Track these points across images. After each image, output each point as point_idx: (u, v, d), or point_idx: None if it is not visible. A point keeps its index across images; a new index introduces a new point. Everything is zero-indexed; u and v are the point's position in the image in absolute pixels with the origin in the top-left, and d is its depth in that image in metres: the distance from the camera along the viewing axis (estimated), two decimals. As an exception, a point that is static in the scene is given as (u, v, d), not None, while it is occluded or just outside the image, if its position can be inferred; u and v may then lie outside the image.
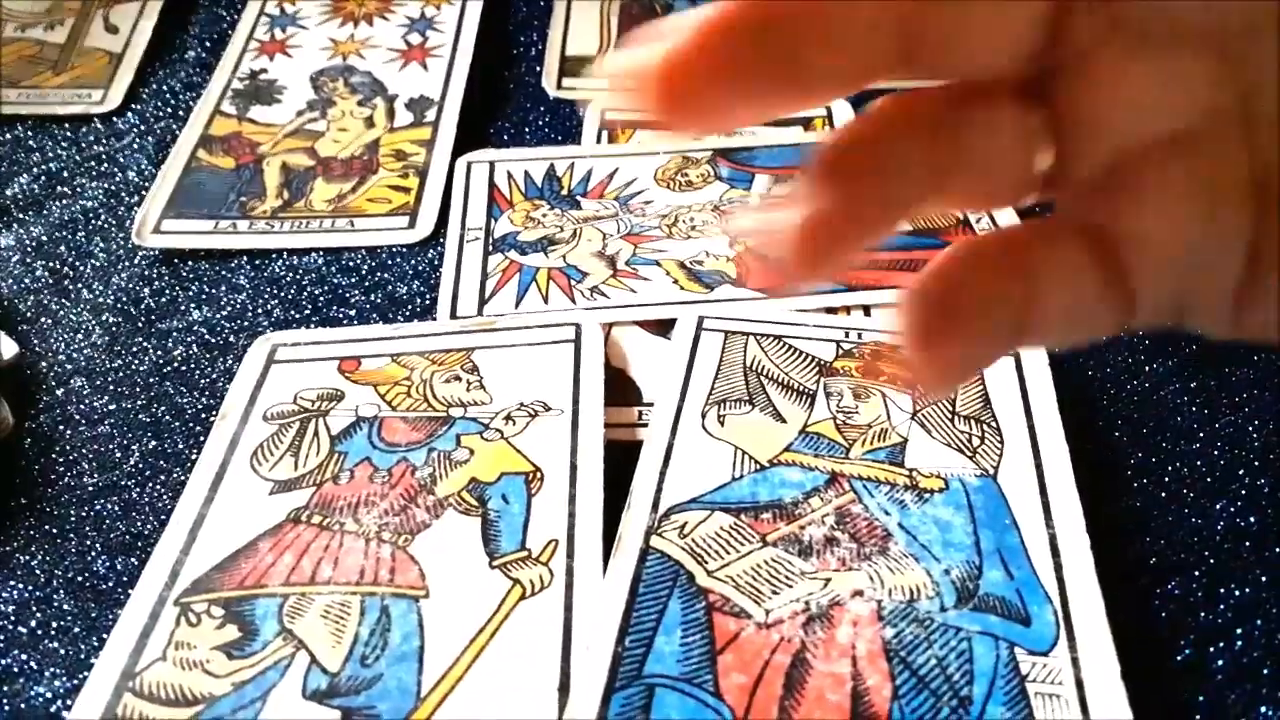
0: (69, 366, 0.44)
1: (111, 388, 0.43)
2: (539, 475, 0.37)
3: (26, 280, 0.47)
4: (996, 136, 0.23)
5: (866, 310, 0.44)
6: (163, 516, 0.37)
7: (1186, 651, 0.33)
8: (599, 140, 0.53)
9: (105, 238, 0.49)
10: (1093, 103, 0.23)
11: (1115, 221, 0.23)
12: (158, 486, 0.39)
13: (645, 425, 0.39)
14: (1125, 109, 0.23)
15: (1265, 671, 0.32)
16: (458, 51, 0.58)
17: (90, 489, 0.39)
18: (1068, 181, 0.24)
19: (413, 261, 0.48)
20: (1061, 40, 0.22)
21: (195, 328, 0.45)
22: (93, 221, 0.50)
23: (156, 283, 0.47)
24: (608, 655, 0.31)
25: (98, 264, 0.48)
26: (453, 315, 0.44)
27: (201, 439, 0.40)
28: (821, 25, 0.20)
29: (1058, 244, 0.25)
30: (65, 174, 0.53)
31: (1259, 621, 0.33)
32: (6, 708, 0.33)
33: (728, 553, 0.34)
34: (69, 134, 0.55)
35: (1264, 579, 0.34)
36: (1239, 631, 0.33)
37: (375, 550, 0.35)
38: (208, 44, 0.60)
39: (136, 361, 0.44)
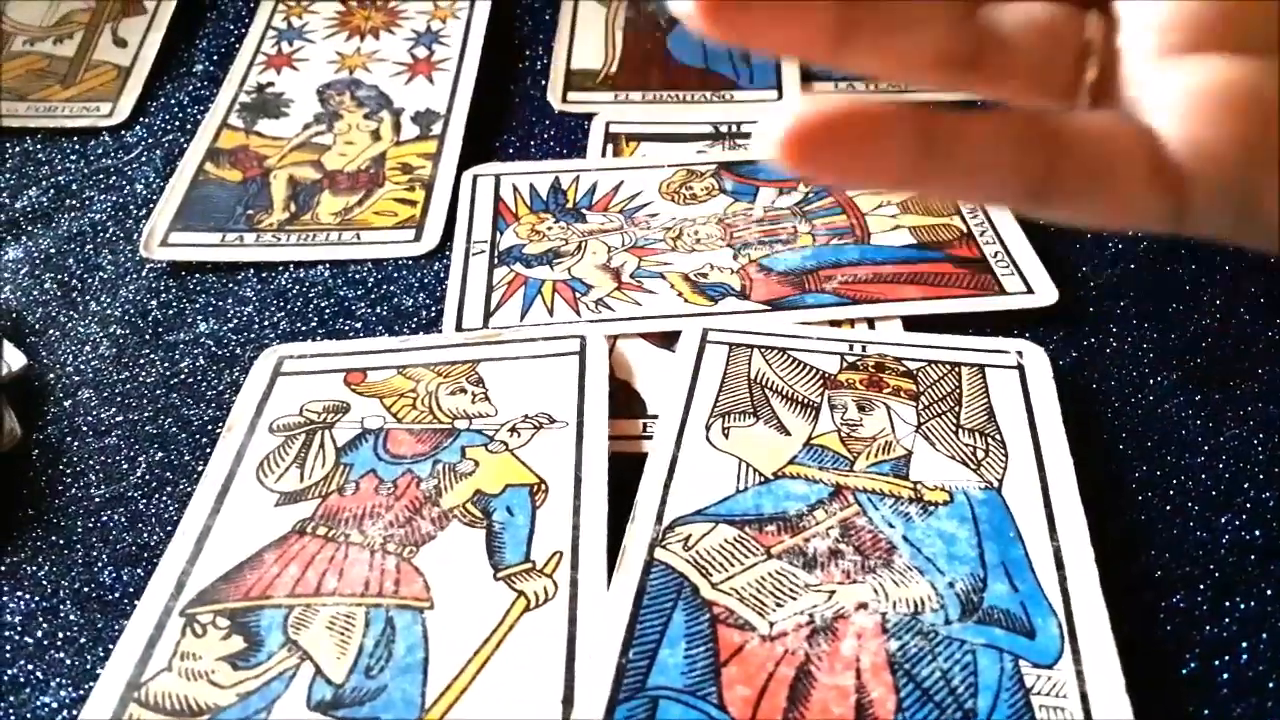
0: (76, 378, 0.44)
1: (119, 399, 0.43)
2: (543, 487, 0.37)
3: (35, 292, 0.48)
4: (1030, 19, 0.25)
5: (871, 323, 0.44)
6: (169, 528, 0.37)
7: (1191, 665, 0.33)
8: (604, 153, 0.54)
9: (113, 250, 0.50)
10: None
11: (1166, 118, 0.24)
12: (164, 498, 0.39)
13: (650, 437, 0.39)
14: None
15: (1270, 685, 0.32)
16: (463, 65, 0.58)
17: (97, 500, 0.39)
18: (1116, 87, 0.25)
19: (419, 274, 0.48)
20: None
21: (202, 340, 0.45)
22: (101, 234, 0.51)
23: (164, 295, 0.47)
24: (612, 667, 0.31)
25: (106, 276, 0.48)
26: (458, 327, 0.44)
27: (208, 451, 0.40)
28: None
29: (1093, 122, 0.25)
30: (73, 187, 0.53)
31: (1264, 635, 0.33)
32: (13, 718, 0.33)
33: (732, 565, 0.34)
34: (77, 147, 0.55)
35: (1269, 592, 0.34)
36: (1244, 645, 0.33)
37: (380, 562, 0.35)
38: (215, 57, 0.60)
39: (144, 373, 0.44)
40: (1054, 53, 0.25)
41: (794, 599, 0.33)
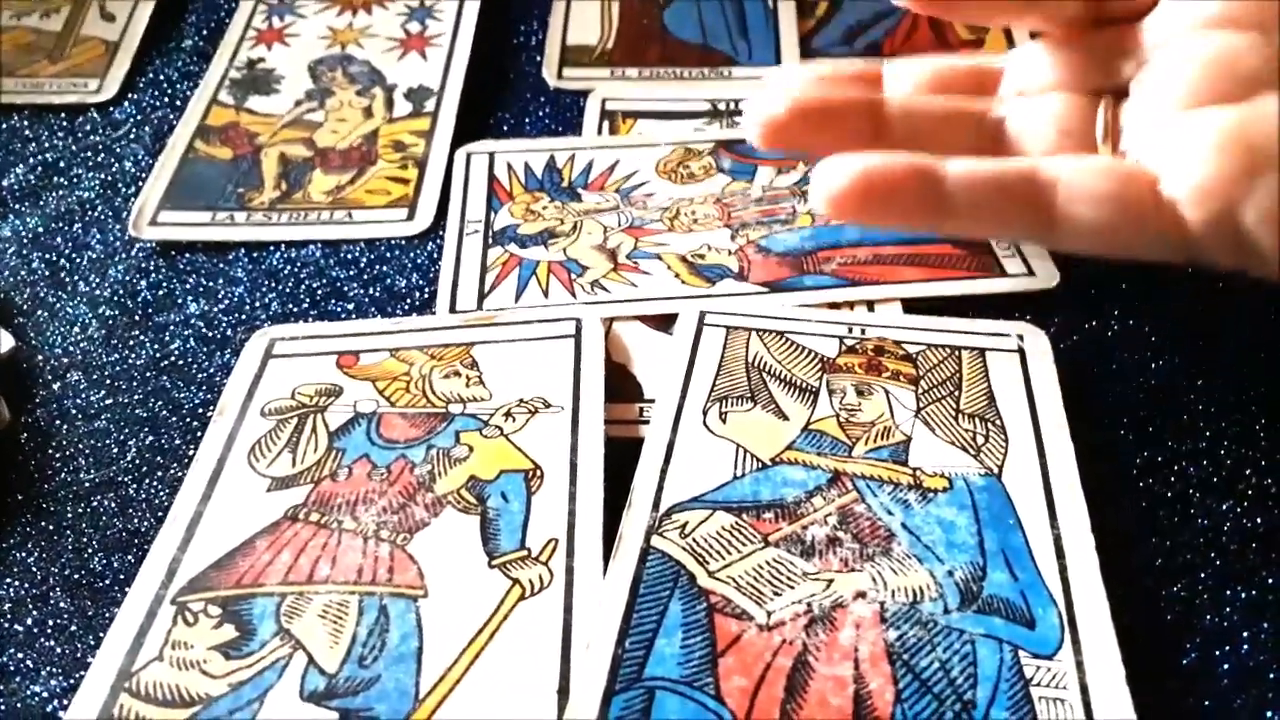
0: (65, 360, 0.43)
1: (108, 382, 0.43)
2: (539, 473, 0.37)
3: (22, 272, 0.47)
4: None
5: (870, 305, 0.43)
6: (160, 513, 0.37)
7: (1192, 655, 0.33)
8: (600, 131, 0.53)
9: (102, 229, 0.49)
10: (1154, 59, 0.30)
11: (1164, 164, 0.28)
12: (155, 483, 0.39)
13: (646, 422, 0.39)
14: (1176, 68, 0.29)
15: (1271, 675, 0.32)
16: (457, 41, 0.57)
17: (87, 485, 0.39)
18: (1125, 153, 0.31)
19: (412, 254, 0.47)
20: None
21: (192, 321, 0.45)
22: (89, 213, 0.50)
23: (153, 275, 0.47)
24: (608, 657, 0.31)
25: (94, 256, 0.48)
26: (452, 309, 0.44)
27: (199, 434, 0.39)
28: None
29: (1099, 162, 0.30)
30: (61, 164, 0.52)
31: (1265, 625, 0.33)
32: (3, 707, 0.33)
33: (729, 553, 0.34)
34: (65, 124, 0.54)
35: (1270, 581, 0.34)
36: (1245, 635, 0.33)
37: (373, 549, 0.35)
38: (205, 32, 0.59)
39: (133, 355, 0.44)
40: (1071, 139, 0.31)
41: (792, 588, 0.33)
